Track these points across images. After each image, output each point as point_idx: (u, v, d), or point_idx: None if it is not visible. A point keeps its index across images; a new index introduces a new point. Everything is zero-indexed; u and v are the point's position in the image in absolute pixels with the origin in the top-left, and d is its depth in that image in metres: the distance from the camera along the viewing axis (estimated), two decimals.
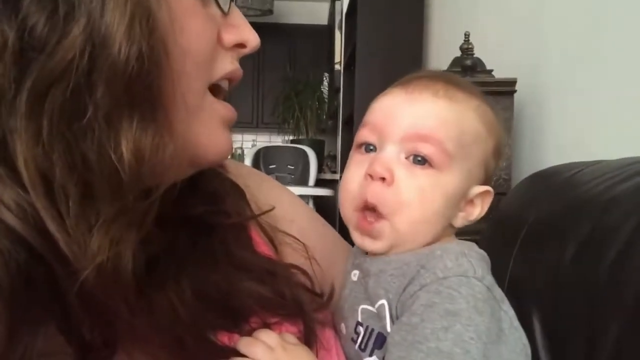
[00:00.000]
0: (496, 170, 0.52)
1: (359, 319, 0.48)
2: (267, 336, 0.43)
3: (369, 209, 0.47)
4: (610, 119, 1.09)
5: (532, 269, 0.59)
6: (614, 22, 1.09)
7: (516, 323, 0.46)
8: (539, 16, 1.42)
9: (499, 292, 0.46)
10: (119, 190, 0.35)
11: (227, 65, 0.43)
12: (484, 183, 0.49)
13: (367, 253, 0.50)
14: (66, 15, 0.33)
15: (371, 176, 0.46)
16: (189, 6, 0.39)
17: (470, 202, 0.49)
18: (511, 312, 0.46)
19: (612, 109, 1.09)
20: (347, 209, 0.49)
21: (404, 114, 0.47)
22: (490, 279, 0.45)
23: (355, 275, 0.51)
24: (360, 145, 0.50)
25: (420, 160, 0.46)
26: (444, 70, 1.52)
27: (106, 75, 0.33)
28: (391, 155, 0.46)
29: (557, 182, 0.68)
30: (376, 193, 0.46)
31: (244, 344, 0.42)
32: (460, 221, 0.49)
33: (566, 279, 0.56)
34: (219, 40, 0.42)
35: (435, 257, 0.45)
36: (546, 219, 0.63)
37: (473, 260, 0.45)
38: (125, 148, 0.34)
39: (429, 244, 0.47)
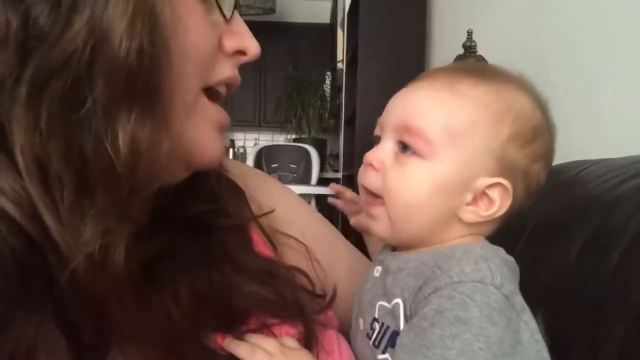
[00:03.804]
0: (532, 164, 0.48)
1: (376, 315, 0.48)
2: (266, 342, 0.43)
3: (371, 193, 0.49)
4: (614, 117, 1.09)
5: (536, 269, 0.59)
6: (619, 20, 1.09)
7: (537, 336, 0.45)
8: (542, 13, 1.42)
9: (519, 302, 0.44)
10: (113, 183, 0.35)
11: (226, 71, 0.44)
12: (502, 175, 0.47)
13: (394, 249, 0.51)
14: (70, 8, 0.33)
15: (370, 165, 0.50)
16: (191, 9, 0.40)
17: (484, 195, 0.47)
18: (533, 324, 0.44)
19: (617, 107, 1.08)
20: (360, 194, 0.52)
21: (395, 106, 0.50)
22: (510, 287, 0.43)
23: (377, 271, 0.50)
24: (376, 140, 0.52)
25: (405, 149, 0.48)
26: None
27: (106, 69, 0.34)
28: (386, 145, 0.49)
29: (561, 180, 0.67)
30: (367, 179, 0.49)
31: (244, 351, 0.42)
32: (469, 215, 0.47)
33: (570, 278, 0.55)
34: (219, 46, 0.43)
35: (454, 259, 0.44)
36: (550, 218, 0.62)
37: (493, 266, 0.43)
38: (122, 141, 0.34)
39: (433, 234, 0.47)
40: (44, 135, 0.33)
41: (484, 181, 0.46)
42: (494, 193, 0.47)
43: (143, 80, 0.35)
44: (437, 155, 0.46)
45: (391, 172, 0.48)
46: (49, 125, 0.33)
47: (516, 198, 0.48)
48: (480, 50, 1.50)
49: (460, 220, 0.47)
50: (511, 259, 0.46)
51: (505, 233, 0.55)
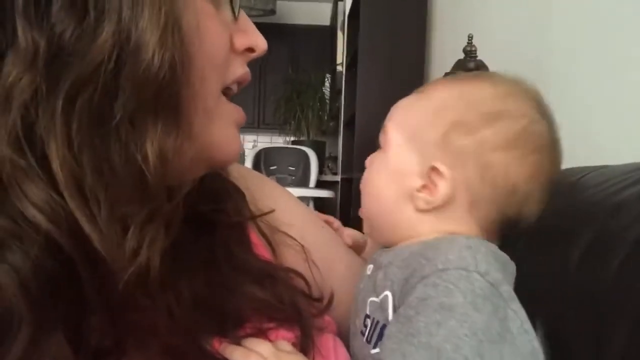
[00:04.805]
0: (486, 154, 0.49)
1: (367, 312, 0.48)
2: (260, 346, 0.43)
3: None
4: (615, 123, 1.09)
5: (537, 274, 0.59)
6: (620, 25, 1.09)
7: (527, 326, 0.44)
8: (543, 18, 1.42)
9: (507, 290, 0.44)
10: (146, 193, 0.35)
11: (239, 69, 0.45)
12: (447, 162, 0.48)
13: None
14: (96, 21, 0.33)
15: None
16: (207, 11, 0.40)
17: (431, 181, 0.49)
18: (522, 314, 0.44)
19: (618, 113, 1.08)
20: None
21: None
22: (496, 276, 0.43)
23: (369, 269, 0.51)
24: None
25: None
26: (457, 72, 1.52)
27: (135, 81, 0.34)
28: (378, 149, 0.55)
29: (561, 187, 0.67)
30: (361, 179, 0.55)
31: (238, 355, 0.42)
32: (421, 203, 0.49)
33: (571, 285, 0.55)
34: (231, 44, 0.43)
35: (440, 249, 0.44)
36: (551, 224, 0.62)
37: (479, 255, 0.43)
38: (150, 151, 0.35)
39: (403, 225, 0.50)
40: (77, 148, 0.34)
41: (427, 166, 0.49)
42: (436, 178, 0.48)
43: (170, 91, 0.36)
44: (389, 145, 0.52)
45: (367, 170, 0.54)
46: (81, 138, 0.34)
47: (471, 186, 0.48)
48: (481, 55, 1.50)
49: (423, 212, 0.49)
50: (503, 254, 0.47)
51: (505, 238, 0.55)
